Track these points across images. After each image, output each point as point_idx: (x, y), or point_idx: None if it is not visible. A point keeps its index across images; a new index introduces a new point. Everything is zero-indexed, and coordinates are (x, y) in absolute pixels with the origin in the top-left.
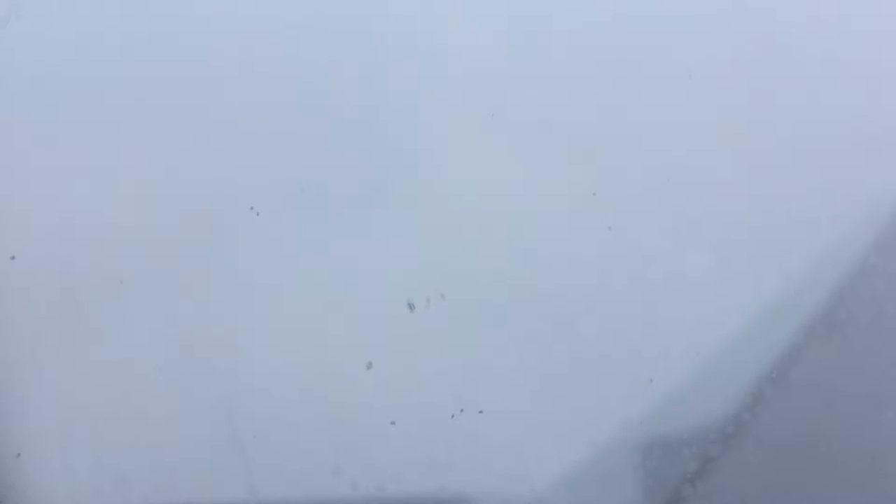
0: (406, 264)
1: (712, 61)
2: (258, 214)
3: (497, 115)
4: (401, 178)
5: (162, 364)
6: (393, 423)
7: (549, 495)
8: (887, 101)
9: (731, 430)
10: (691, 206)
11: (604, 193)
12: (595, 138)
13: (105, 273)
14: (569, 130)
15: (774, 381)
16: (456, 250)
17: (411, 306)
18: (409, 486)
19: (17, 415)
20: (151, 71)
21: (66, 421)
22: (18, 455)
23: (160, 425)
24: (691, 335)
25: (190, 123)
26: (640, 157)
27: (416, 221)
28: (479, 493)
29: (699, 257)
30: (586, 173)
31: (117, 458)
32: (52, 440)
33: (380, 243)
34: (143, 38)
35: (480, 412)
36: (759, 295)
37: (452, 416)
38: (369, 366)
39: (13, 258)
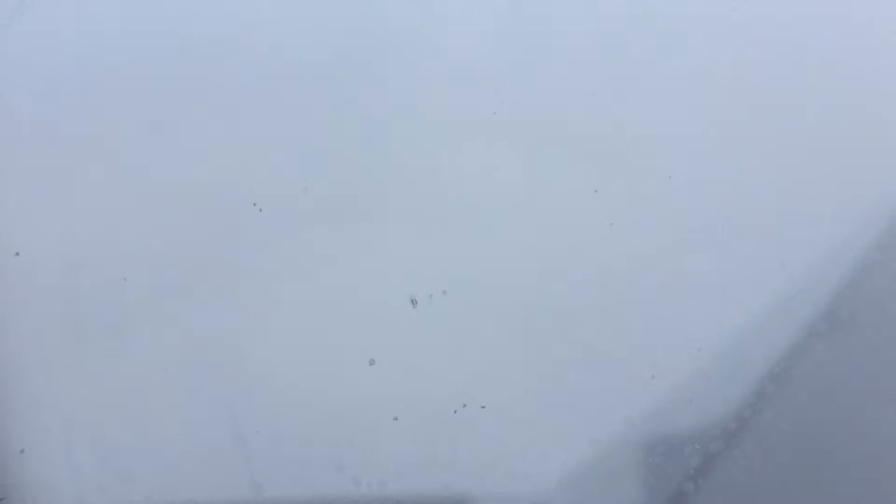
0: (408, 261)
1: (715, 60)
2: (261, 211)
3: (499, 113)
4: (403, 174)
5: (165, 361)
6: (395, 419)
7: (551, 491)
8: (889, 100)
9: (733, 428)
10: (693, 203)
11: (606, 190)
12: (597, 136)
13: (109, 270)
14: (571, 128)
15: (776, 378)
16: (458, 246)
17: (414, 302)
18: (411, 483)
19: (20, 412)
20: (155, 70)
21: (70, 418)
22: (22, 451)
23: (164, 422)
24: (693, 332)
25: (194, 122)
26: (642, 154)
27: (419, 217)
28: (481, 490)
29: (701, 255)
30: (588, 170)
31: (121, 455)
32: (56, 437)
33: (382, 239)
34: (147, 37)
35: (483, 408)
36: (761, 292)
37: (455, 411)
38: (372, 362)
39: (17, 254)
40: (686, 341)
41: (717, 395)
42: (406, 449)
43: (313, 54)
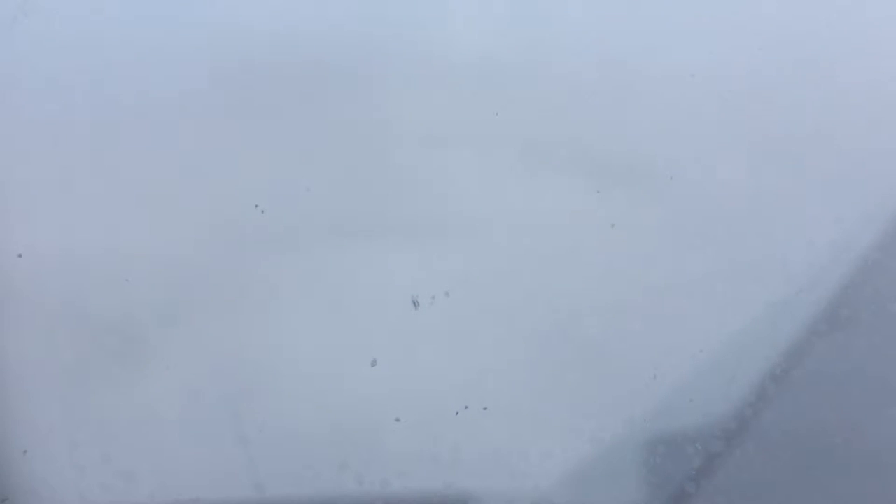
0: (410, 262)
1: (715, 60)
2: (263, 212)
3: (501, 114)
4: (404, 176)
5: (168, 361)
6: (398, 419)
7: (553, 491)
8: (889, 100)
9: (734, 427)
10: (694, 204)
11: (607, 191)
12: (598, 137)
13: (111, 271)
14: (572, 130)
15: (777, 378)
16: (460, 247)
17: (416, 304)
18: (413, 483)
19: (23, 412)
20: (160, 70)
21: (73, 418)
22: (25, 452)
23: (167, 421)
24: (694, 332)
25: (195, 122)
26: (644, 155)
27: (421, 218)
28: (483, 490)
29: (702, 255)
30: (590, 171)
31: (124, 454)
32: (59, 437)
33: (384, 240)
34: (152, 37)
35: (485, 409)
36: (762, 292)
37: (457, 413)
38: (374, 363)
39: (20, 256)
40: (687, 341)
41: (719, 395)
42: (408, 448)
43: (315, 55)
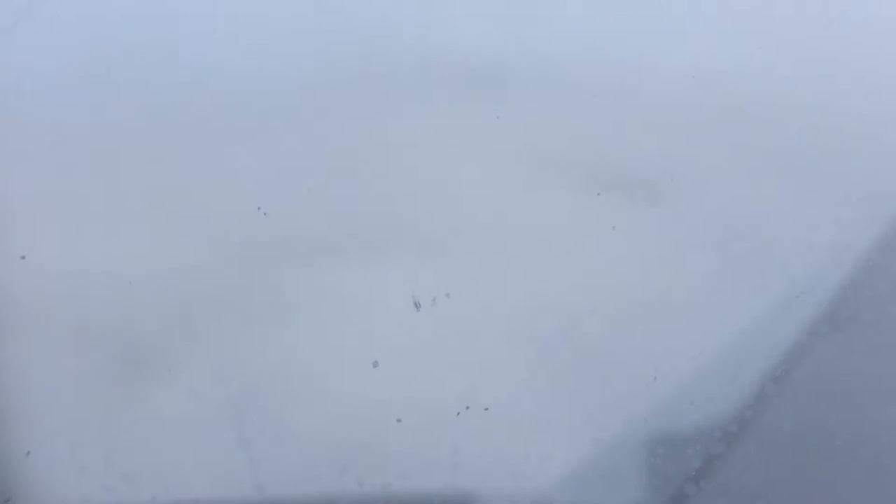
0: (411, 263)
1: (714, 61)
2: (265, 214)
3: (501, 117)
4: (406, 178)
5: (170, 362)
6: (399, 420)
7: (554, 493)
8: (889, 100)
9: (734, 428)
10: (695, 204)
11: (608, 193)
12: (598, 137)
13: (114, 272)
14: (572, 130)
15: (778, 379)
16: (461, 249)
17: (417, 305)
18: (415, 484)
19: (26, 413)
20: (162, 72)
21: (75, 419)
22: (28, 453)
23: (168, 423)
24: (695, 333)
25: (196, 123)
26: (644, 157)
27: (422, 220)
28: (484, 491)
29: (703, 256)
30: (589, 173)
31: (126, 455)
32: (61, 438)
33: (385, 242)
34: (154, 39)
35: (486, 410)
36: (762, 293)
37: (458, 413)
38: (375, 364)
39: (23, 258)
40: (688, 343)
41: (719, 396)
42: (409, 450)
43: (315, 58)
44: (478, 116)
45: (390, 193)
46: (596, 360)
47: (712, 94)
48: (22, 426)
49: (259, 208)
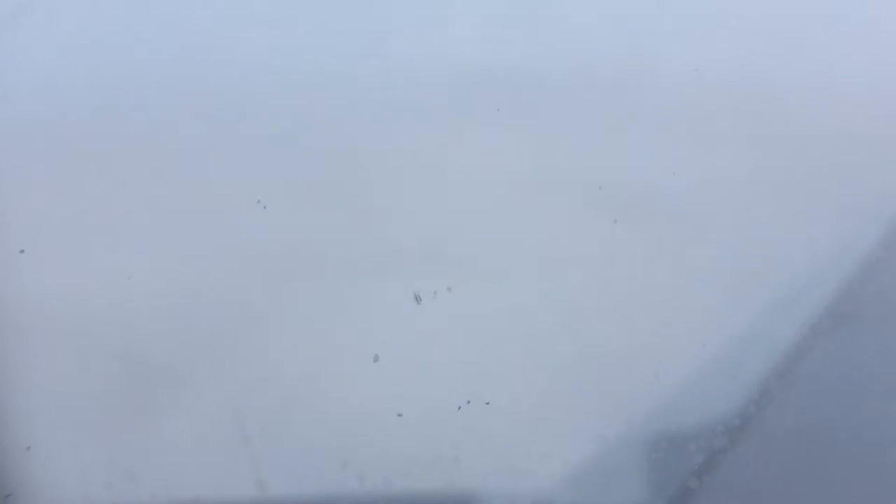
0: (412, 257)
1: (717, 59)
2: (265, 208)
3: (503, 110)
4: (407, 170)
5: (170, 359)
6: (399, 415)
7: (556, 489)
8: (891, 98)
9: (737, 424)
10: (697, 200)
11: (610, 187)
12: (600, 132)
13: (114, 268)
14: (574, 124)
15: (780, 375)
16: (462, 243)
17: (418, 299)
18: (415, 480)
19: (26, 409)
20: (160, 70)
21: (76, 416)
22: (28, 449)
23: (169, 420)
24: (697, 330)
25: (195, 121)
26: (646, 151)
27: (423, 214)
28: (485, 487)
29: (705, 252)
30: (591, 169)
31: (127, 453)
32: (62, 435)
33: (386, 235)
34: (151, 37)
35: (487, 404)
36: (764, 290)
37: (459, 408)
38: (376, 359)
39: (22, 252)
40: (690, 339)
41: (722, 392)
42: (410, 446)
43: (315, 57)
44: (479, 110)
45: (391, 188)
46: (598, 356)
47: (714, 91)
48: (23, 422)
49: (259, 201)
